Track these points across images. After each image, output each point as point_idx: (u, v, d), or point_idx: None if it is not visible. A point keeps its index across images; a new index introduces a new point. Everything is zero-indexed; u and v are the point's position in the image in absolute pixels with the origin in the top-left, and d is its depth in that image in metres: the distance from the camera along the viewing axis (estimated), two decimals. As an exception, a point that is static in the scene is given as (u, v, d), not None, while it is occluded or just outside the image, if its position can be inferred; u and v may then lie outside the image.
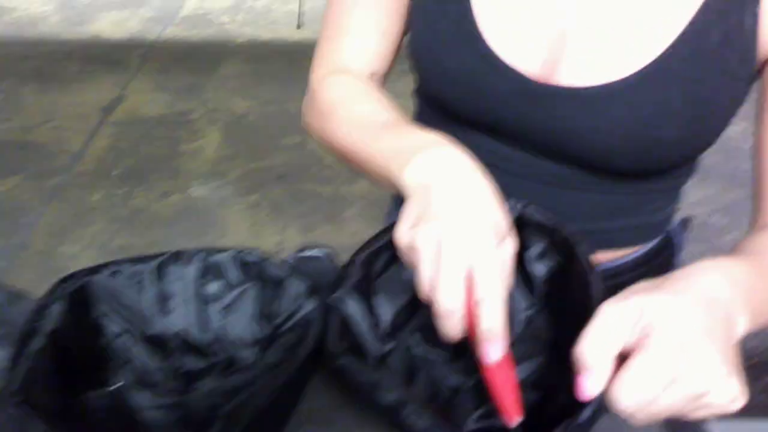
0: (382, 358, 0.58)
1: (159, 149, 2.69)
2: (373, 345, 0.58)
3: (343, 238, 2.21)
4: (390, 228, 0.58)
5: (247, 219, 2.33)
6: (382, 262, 0.59)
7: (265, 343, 0.61)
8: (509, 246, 0.50)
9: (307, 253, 0.65)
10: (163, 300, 0.63)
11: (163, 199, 2.43)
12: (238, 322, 0.63)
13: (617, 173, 0.65)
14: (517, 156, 0.67)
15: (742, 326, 0.47)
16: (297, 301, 0.59)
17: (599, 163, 0.64)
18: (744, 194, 2.52)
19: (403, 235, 0.50)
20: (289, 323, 0.59)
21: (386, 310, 0.60)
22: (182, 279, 0.63)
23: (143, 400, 0.57)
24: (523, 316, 0.61)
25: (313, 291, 0.59)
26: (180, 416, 0.57)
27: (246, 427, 0.48)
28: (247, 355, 0.63)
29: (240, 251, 0.63)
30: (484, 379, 0.49)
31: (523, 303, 0.61)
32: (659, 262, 0.76)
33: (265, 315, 0.62)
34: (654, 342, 0.42)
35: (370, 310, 0.58)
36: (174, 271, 0.63)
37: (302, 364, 0.52)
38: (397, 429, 0.49)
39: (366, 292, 0.58)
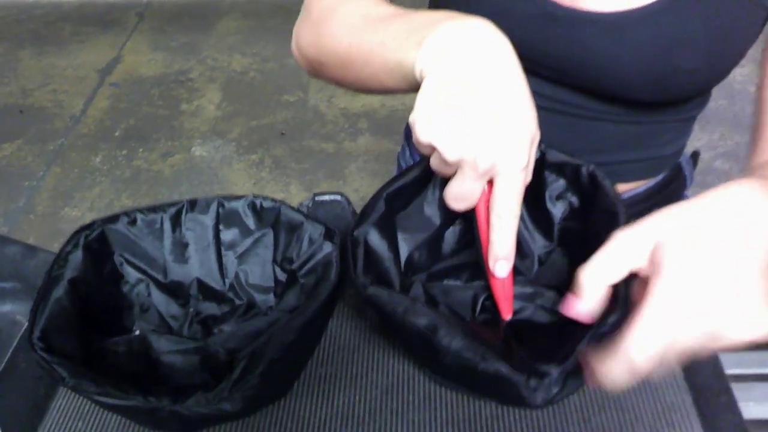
0: (405, 291, 0.58)
1: (159, 109, 2.67)
2: (396, 278, 0.58)
3: (347, 194, 2.19)
4: (413, 168, 0.57)
5: (250, 177, 2.33)
6: (404, 199, 0.58)
7: (283, 288, 0.61)
8: (533, 152, 0.47)
9: (323, 198, 0.64)
10: (181, 248, 0.63)
11: (165, 159, 2.42)
12: (256, 267, 0.63)
13: (633, 102, 0.64)
14: (532, 83, 0.65)
15: None
16: (314, 245, 0.59)
17: (616, 90, 0.63)
18: (748, 139, 2.50)
19: (422, 131, 0.44)
20: (307, 267, 0.59)
21: (404, 247, 0.60)
22: (199, 227, 0.63)
23: (164, 345, 0.58)
24: (542, 252, 0.61)
25: (329, 234, 0.59)
26: (201, 359, 0.57)
27: (267, 369, 0.48)
28: (266, 300, 0.63)
29: (255, 197, 0.63)
30: (488, 279, 0.53)
31: (540, 242, 0.61)
32: (669, 193, 0.76)
33: (282, 260, 0.62)
34: (665, 273, 0.40)
35: (393, 244, 0.58)
36: (190, 218, 0.63)
37: (322, 305, 0.52)
38: (429, 355, 0.49)
39: (389, 227, 0.58)
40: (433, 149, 0.45)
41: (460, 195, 0.47)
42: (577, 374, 0.48)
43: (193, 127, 2.57)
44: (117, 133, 2.55)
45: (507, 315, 0.55)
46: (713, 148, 2.39)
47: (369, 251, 0.56)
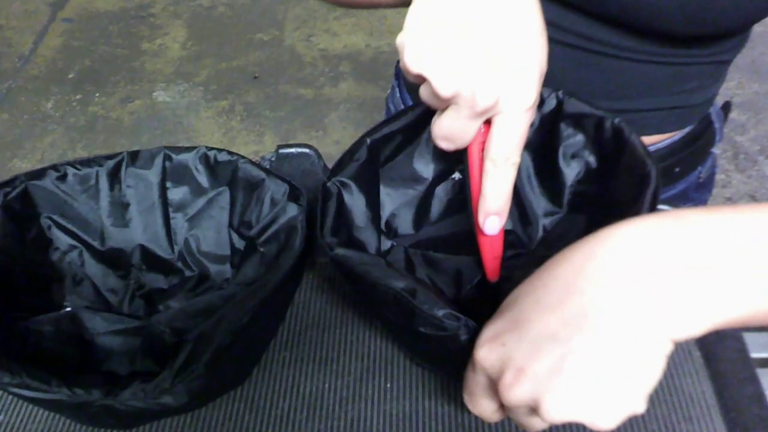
0: (381, 255, 0.55)
1: (117, 49, 2.58)
2: (372, 240, 0.54)
3: (327, 146, 2.15)
4: (404, 112, 0.52)
5: (219, 126, 2.26)
6: (392, 148, 0.54)
7: (241, 257, 0.57)
8: (539, 89, 0.42)
9: (288, 151, 0.59)
10: (120, 209, 0.58)
11: (125, 105, 2.35)
12: (209, 233, 0.59)
13: (664, 36, 0.59)
14: (549, 11, 0.57)
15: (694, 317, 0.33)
16: (277, 206, 0.54)
17: (647, 20, 0.57)
18: (767, 88, 2.46)
19: (412, 57, 0.40)
20: (268, 233, 0.54)
21: (387, 204, 0.55)
22: (142, 184, 0.58)
23: (99, 324, 0.53)
24: (546, 221, 0.56)
25: (295, 194, 0.54)
26: (143, 342, 0.53)
27: (215, 356, 0.43)
28: (221, 271, 0.58)
29: (209, 149, 0.57)
30: (477, 238, 0.47)
31: (547, 207, 0.56)
32: (696, 149, 0.71)
33: (240, 224, 0.57)
34: None
35: (373, 201, 0.54)
36: (132, 174, 0.58)
37: (283, 279, 0.47)
38: (407, 327, 0.46)
39: (370, 180, 0.53)
40: (424, 79, 0.40)
41: (450, 133, 0.42)
42: None
43: (156, 69, 2.48)
44: (71, 76, 2.46)
45: (494, 277, 0.50)
46: (729, 97, 2.34)
47: (342, 207, 0.51)
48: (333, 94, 2.36)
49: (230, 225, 0.58)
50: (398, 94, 0.83)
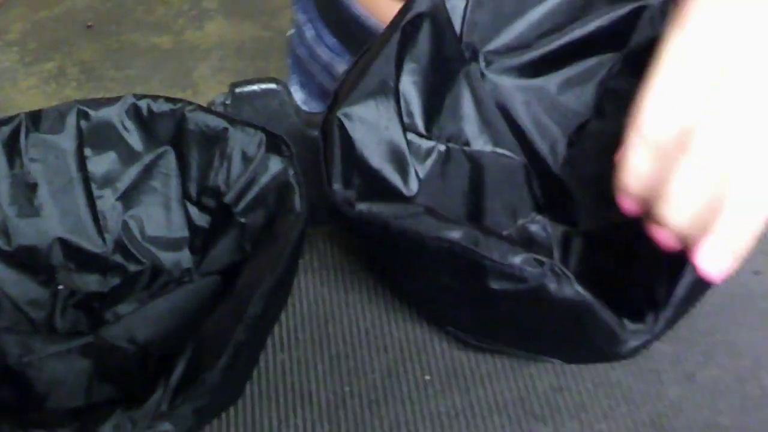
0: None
1: None
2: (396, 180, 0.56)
3: (201, 107, 2.14)
4: None
5: (47, 96, 2.24)
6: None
7: (206, 236, 0.57)
8: None
9: (247, 89, 0.59)
10: (26, 191, 0.57)
11: None
12: (155, 210, 0.58)
13: None
14: None
15: None
16: (252, 162, 0.54)
17: None
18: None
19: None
20: (249, 196, 0.54)
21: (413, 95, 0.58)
22: (51, 153, 0.57)
23: (30, 350, 0.52)
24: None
25: (275, 143, 0.54)
26: (94, 364, 0.52)
27: (233, 359, 0.43)
28: (177, 259, 0.58)
29: (139, 98, 0.57)
30: None
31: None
32: None
33: (201, 192, 0.56)
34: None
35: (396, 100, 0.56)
36: (35, 142, 0.56)
37: (293, 252, 0.47)
38: (464, 288, 0.48)
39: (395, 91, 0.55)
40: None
41: None
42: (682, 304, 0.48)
43: (-52, 27, 2.41)
44: None
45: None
46: None
47: (350, 148, 0.53)
48: (199, 40, 2.36)
49: (185, 196, 0.57)
50: (311, 33, 0.84)
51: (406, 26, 0.55)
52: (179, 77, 2.25)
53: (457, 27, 0.59)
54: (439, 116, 0.60)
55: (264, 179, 0.53)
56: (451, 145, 0.61)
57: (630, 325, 0.47)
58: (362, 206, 0.48)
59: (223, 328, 0.45)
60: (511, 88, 0.61)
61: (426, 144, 0.60)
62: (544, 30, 0.60)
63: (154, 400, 0.43)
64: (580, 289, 0.45)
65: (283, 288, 0.50)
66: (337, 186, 0.49)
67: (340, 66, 0.76)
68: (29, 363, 0.51)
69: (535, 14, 0.60)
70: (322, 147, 0.51)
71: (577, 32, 0.59)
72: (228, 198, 0.54)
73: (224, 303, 0.47)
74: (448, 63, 0.60)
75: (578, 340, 0.50)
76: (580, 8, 0.59)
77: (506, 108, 0.61)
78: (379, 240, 0.49)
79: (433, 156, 0.60)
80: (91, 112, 0.56)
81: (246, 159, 0.54)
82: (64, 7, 2.46)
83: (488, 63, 0.61)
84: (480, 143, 0.61)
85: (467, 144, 0.61)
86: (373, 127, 0.54)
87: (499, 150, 0.61)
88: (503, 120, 0.62)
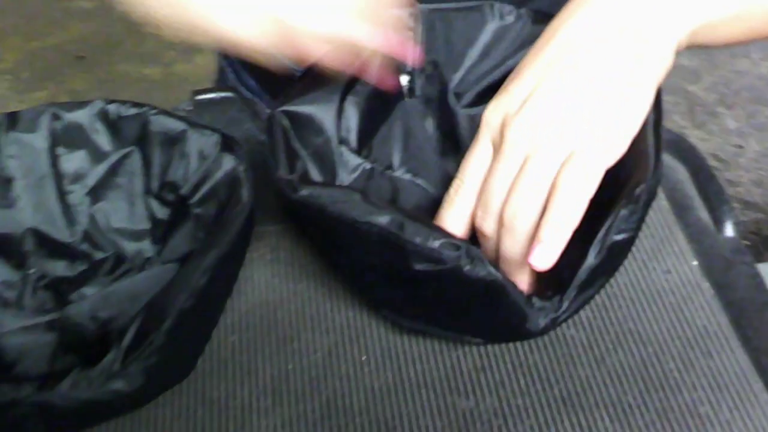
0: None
1: None
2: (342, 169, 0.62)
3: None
4: None
5: (38, 124, 2.23)
6: None
7: (166, 227, 0.61)
8: None
9: (207, 97, 0.64)
10: (3, 185, 0.61)
11: None
12: (120, 204, 0.63)
13: None
14: None
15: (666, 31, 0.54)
16: (207, 160, 0.59)
17: None
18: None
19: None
20: (202, 191, 0.58)
21: (353, 114, 0.63)
22: (27, 152, 0.61)
23: (2, 324, 0.56)
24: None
25: (228, 143, 0.58)
26: (59, 338, 0.57)
27: (176, 323, 0.48)
28: (139, 248, 0.62)
29: (108, 102, 0.62)
30: None
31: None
32: None
33: (162, 188, 0.61)
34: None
35: (338, 115, 0.61)
36: (12, 140, 0.61)
37: (238, 237, 0.52)
38: (392, 270, 0.53)
39: (338, 106, 0.61)
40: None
41: None
42: (585, 286, 0.53)
43: (-58, 55, 2.43)
44: None
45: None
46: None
47: (291, 142, 0.58)
48: (188, 72, 2.38)
49: (147, 191, 0.61)
50: (232, 75, 0.86)
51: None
52: (168, 108, 2.28)
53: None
54: (372, 140, 0.66)
55: (218, 175, 0.58)
56: (376, 165, 0.66)
57: (537, 303, 0.52)
58: (304, 190, 0.52)
59: (170, 298, 0.49)
60: (465, 116, 0.67)
61: (354, 160, 0.65)
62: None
63: (108, 360, 0.48)
64: (491, 269, 0.50)
65: (229, 265, 0.54)
66: (281, 172, 0.54)
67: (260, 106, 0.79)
68: (1, 335, 0.56)
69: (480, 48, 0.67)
70: (267, 137, 0.56)
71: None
72: (184, 191, 0.59)
73: (177, 276, 0.51)
74: (389, 96, 0.65)
75: (493, 319, 0.55)
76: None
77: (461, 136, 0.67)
78: (318, 224, 0.54)
79: (359, 171, 0.65)
80: (64, 115, 0.61)
81: (202, 157, 0.59)
82: (57, 39, 2.48)
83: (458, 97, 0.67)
84: (401, 171, 0.68)
85: (390, 168, 0.67)
86: (309, 129, 0.59)
87: (417, 180, 0.67)
88: (435, 154, 0.68)
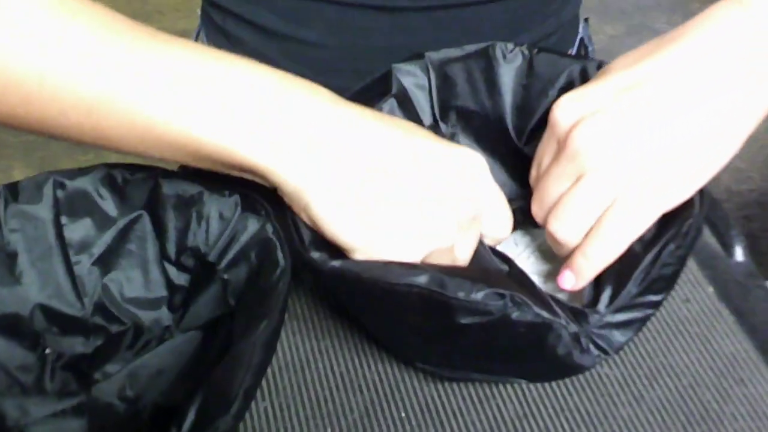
0: None
1: None
2: None
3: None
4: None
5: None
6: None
7: (184, 295, 0.59)
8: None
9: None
10: (7, 261, 0.58)
11: None
12: (133, 272, 0.60)
13: None
14: None
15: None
16: (230, 222, 0.57)
17: None
18: (621, 29, 2.71)
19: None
20: (231, 254, 0.56)
21: None
22: (31, 224, 0.58)
23: (28, 412, 0.53)
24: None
25: (250, 204, 0.57)
26: (89, 422, 0.54)
27: (244, 403, 0.46)
28: (157, 318, 0.60)
29: (112, 167, 0.59)
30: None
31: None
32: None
33: (180, 252, 0.59)
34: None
35: None
36: (15, 213, 0.58)
37: (283, 305, 0.51)
38: (433, 327, 0.53)
39: None
40: None
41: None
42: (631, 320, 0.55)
43: None
44: None
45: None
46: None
47: None
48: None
49: (163, 257, 0.59)
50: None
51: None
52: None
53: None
54: None
55: (244, 238, 0.56)
56: None
57: (584, 341, 0.53)
58: (335, 263, 0.52)
59: (229, 376, 0.47)
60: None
61: None
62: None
63: (168, 449, 0.46)
64: (538, 310, 0.50)
65: (277, 336, 0.53)
66: (310, 248, 0.53)
67: None
68: (27, 425, 0.53)
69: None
70: (289, 215, 0.55)
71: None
72: (212, 257, 0.57)
73: (229, 353, 0.49)
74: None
75: (542, 356, 0.55)
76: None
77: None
78: (350, 290, 0.54)
79: None
80: (67, 182, 0.58)
81: (223, 219, 0.57)
82: None
83: None
84: None
85: None
86: None
87: None
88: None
